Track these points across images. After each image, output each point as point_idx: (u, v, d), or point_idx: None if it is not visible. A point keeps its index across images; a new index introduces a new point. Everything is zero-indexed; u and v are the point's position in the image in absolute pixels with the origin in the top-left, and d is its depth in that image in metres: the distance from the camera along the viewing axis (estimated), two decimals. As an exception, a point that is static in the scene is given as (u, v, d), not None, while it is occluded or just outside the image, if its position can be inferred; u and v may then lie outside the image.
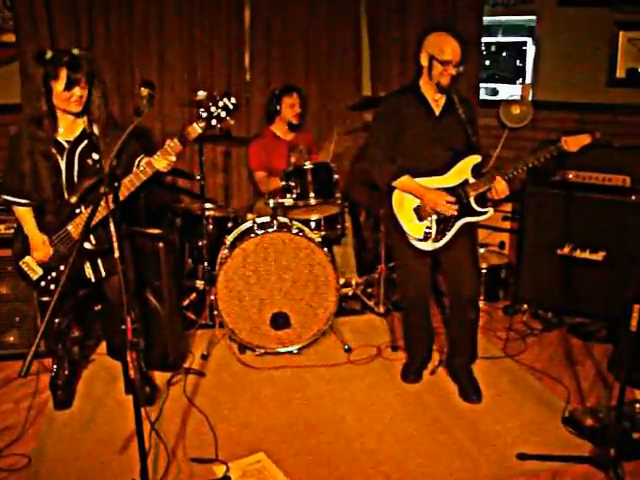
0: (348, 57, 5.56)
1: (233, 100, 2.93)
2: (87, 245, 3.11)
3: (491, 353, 4.10)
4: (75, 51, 2.98)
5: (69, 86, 2.92)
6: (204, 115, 2.92)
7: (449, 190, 3.38)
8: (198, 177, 4.31)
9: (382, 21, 5.45)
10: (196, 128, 2.92)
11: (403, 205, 3.45)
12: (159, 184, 4.57)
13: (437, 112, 3.44)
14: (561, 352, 4.18)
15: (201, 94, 4.03)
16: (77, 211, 3.07)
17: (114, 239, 2.46)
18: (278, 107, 4.88)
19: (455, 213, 3.36)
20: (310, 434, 3.24)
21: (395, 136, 3.42)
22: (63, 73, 2.90)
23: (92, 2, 4.82)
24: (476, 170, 3.41)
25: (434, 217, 3.41)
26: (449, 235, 3.42)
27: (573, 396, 3.57)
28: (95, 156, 3.07)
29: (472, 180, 3.40)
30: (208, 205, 4.54)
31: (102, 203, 2.72)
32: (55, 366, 3.56)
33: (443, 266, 3.60)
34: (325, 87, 5.56)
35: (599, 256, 4.34)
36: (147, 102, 2.67)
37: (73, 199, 3.05)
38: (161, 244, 3.78)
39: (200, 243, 4.41)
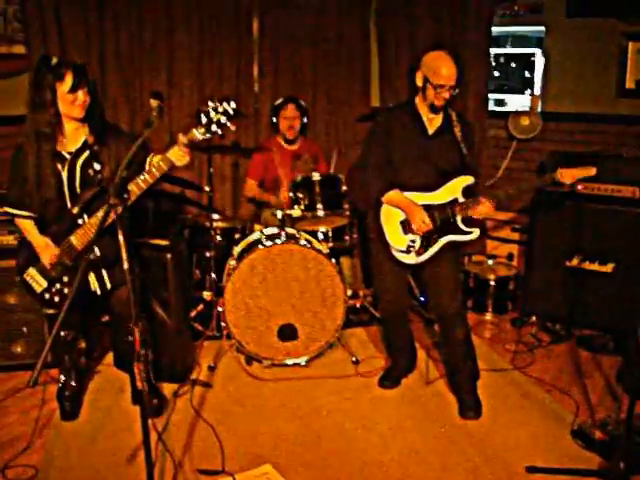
0: (357, 68, 5.57)
1: (233, 105, 2.87)
2: (90, 256, 3.12)
3: (499, 365, 4.09)
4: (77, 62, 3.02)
5: (74, 88, 2.95)
6: (204, 121, 2.87)
7: (437, 207, 3.40)
8: (207, 189, 4.32)
9: (391, 33, 5.46)
10: (195, 134, 2.88)
11: (390, 218, 3.47)
12: (167, 195, 4.58)
13: (431, 131, 3.44)
14: (570, 364, 4.15)
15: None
16: (79, 222, 3.08)
17: (123, 250, 2.46)
18: (275, 120, 4.92)
19: (427, 230, 3.36)
20: (317, 446, 3.23)
21: (386, 154, 3.44)
22: (69, 75, 2.93)
23: (102, 15, 4.86)
24: (467, 191, 3.43)
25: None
26: (432, 251, 3.44)
27: (582, 409, 3.55)
28: (97, 166, 3.08)
29: (462, 199, 3.41)
30: (216, 216, 4.54)
31: (111, 214, 2.74)
32: (62, 377, 3.56)
33: (425, 282, 3.63)
34: (333, 98, 5.57)
35: (608, 268, 4.33)
36: (157, 114, 2.67)
37: (75, 210, 3.06)
38: (169, 255, 3.79)
39: (208, 254, 4.41)
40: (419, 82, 3.36)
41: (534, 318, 4.70)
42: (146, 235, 3.93)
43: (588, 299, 4.38)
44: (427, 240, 3.43)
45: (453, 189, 3.42)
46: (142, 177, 2.95)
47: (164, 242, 3.87)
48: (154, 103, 2.68)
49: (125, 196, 2.74)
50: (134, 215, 3.05)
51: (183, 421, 3.42)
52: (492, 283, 4.92)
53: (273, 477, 2.96)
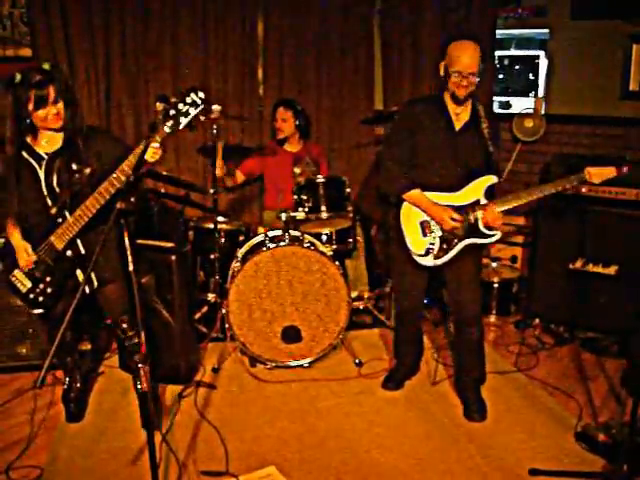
0: (361, 71, 5.57)
1: (201, 94, 2.76)
2: (69, 253, 3.14)
3: (503, 368, 4.09)
4: (46, 66, 2.98)
5: (38, 105, 2.93)
6: (172, 113, 2.75)
7: (458, 209, 3.34)
8: (211, 191, 4.32)
9: (395, 35, 5.48)
10: (165, 129, 2.78)
11: (410, 218, 3.43)
12: (171, 198, 4.59)
13: (457, 127, 3.35)
14: (573, 367, 4.16)
15: (216, 108, 4.06)
16: (59, 221, 3.08)
17: (128, 252, 2.47)
18: (273, 122, 4.98)
19: (457, 227, 3.32)
20: (321, 448, 3.23)
21: (410, 147, 3.36)
22: (32, 94, 2.91)
23: (108, 18, 4.88)
24: (490, 191, 3.36)
25: (438, 233, 3.38)
26: (451, 254, 3.39)
27: (585, 411, 3.55)
28: (74, 166, 3.08)
29: (484, 201, 3.34)
30: (220, 218, 4.55)
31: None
32: (67, 379, 3.58)
33: (447, 283, 3.56)
34: (337, 101, 5.58)
35: (611, 270, 4.33)
36: (163, 117, 2.67)
37: (53, 210, 3.07)
38: (174, 257, 3.79)
39: (212, 256, 4.42)
40: (442, 72, 3.27)
41: (537, 320, 4.69)
42: (152, 236, 3.94)
43: (591, 301, 4.37)
44: (447, 243, 3.38)
45: (475, 190, 3.35)
46: (114, 175, 2.89)
47: (169, 244, 3.88)
48: (159, 106, 2.68)
49: (132, 200, 2.74)
50: (139, 216, 3.06)
51: (187, 422, 3.43)
52: (496, 285, 4.93)
53: (276, 478, 2.96)
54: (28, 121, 2.99)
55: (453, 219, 3.31)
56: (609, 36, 5.00)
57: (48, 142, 3.10)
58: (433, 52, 5.43)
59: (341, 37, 5.44)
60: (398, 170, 3.39)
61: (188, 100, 2.74)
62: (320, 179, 4.21)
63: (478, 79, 3.21)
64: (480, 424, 3.45)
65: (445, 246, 3.39)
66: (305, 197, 4.17)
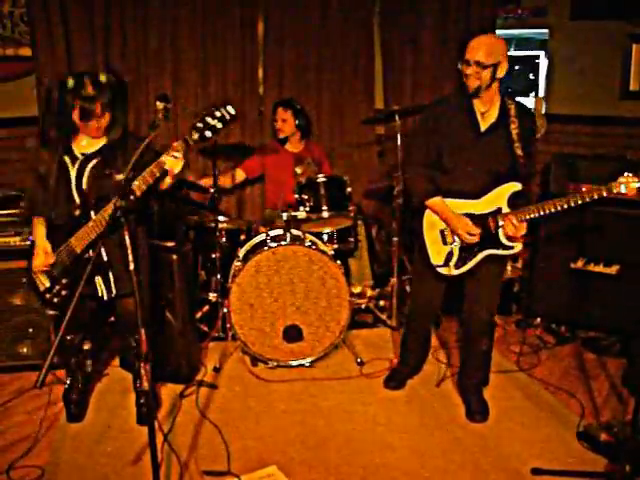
0: (361, 70, 5.56)
1: (231, 110, 2.72)
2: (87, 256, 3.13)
3: (504, 367, 4.08)
4: (102, 77, 2.97)
5: (83, 117, 2.96)
6: (199, 126, 2.72)
7: (479, 217, 3.23)
8: (212, 190, 4.32)
9: (394, 35, 5.47)
10: (188, 140, 2.76)
11: (432, 226, 3.36)
12: (171, 197, 4.58)
13: (483, 128, 3.20)
14: (575, 366, 4.15)
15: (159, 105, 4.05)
16: (82, 222, 3.07)
17: (129, 251, 2.46)
18: (273, 122, 4.98)
19: (474, 241, 3.23)
20: (322, 447, 3.23)
21: (433, 153, 3.26)
22: (78, 104, 2.94)
23: (108, 17, 4.86)
24: (514, 199, 3.21)
25: (458, 244, 3.31)
26: (470, 264, 3.32)
27: (587, 411, 3.55)
28: (106, 171, 3.05)
29: (506, 210, 3.21)
30: (221, 218, 4.55)
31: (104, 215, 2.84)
32: (69, 379, 3.56)
33: (465, 289, 3.49)
34: (337, 100, 5.57)
35: (613, 270, 4.32)
36: (163, 116, 2.67)
37: (77, 212, 3.07)
38: (175, 256, 3.79)
39: (213, 255, 4.41)
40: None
41: (539, 320, 4.69)
42: (153, 236, 3.93)
43: (593, 301, 4.37)
44: (466, 252, 3.31)
45: (498, 197, 3.22)
46: (136, 183, 2.84)
47: (170, 243, 3.88)
48: (160, 106, 2.68)
49: (132, 198, 2.72)
50: (141, 215, 3.05)
51: (189, 422, 3.43)
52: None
53: (278, 478, 2.96)
54: (70, 121, 3.01)
55: (470, 234, 3.22)
56: (609, 36, 5.00)
57: (87, 143, 3.11)
58: (433, 52, 5.44)
59: (341, 36, 5.43)
60: (420, 175, 3.33)
61: (217, 114, 2.71)
62: (321, 178, 4.20)
63: (488, 71, 3.05)
64: (483, 423, 3.45)
65: (464, 256, 3.32)
66: (306, 196, 4.17)
